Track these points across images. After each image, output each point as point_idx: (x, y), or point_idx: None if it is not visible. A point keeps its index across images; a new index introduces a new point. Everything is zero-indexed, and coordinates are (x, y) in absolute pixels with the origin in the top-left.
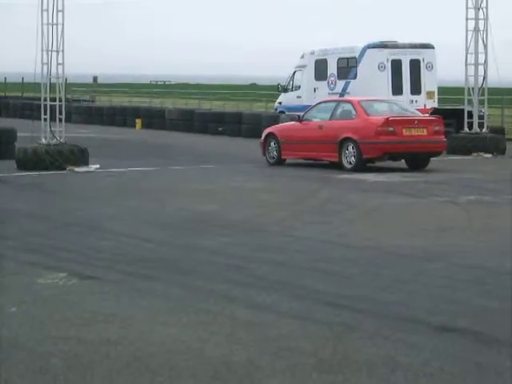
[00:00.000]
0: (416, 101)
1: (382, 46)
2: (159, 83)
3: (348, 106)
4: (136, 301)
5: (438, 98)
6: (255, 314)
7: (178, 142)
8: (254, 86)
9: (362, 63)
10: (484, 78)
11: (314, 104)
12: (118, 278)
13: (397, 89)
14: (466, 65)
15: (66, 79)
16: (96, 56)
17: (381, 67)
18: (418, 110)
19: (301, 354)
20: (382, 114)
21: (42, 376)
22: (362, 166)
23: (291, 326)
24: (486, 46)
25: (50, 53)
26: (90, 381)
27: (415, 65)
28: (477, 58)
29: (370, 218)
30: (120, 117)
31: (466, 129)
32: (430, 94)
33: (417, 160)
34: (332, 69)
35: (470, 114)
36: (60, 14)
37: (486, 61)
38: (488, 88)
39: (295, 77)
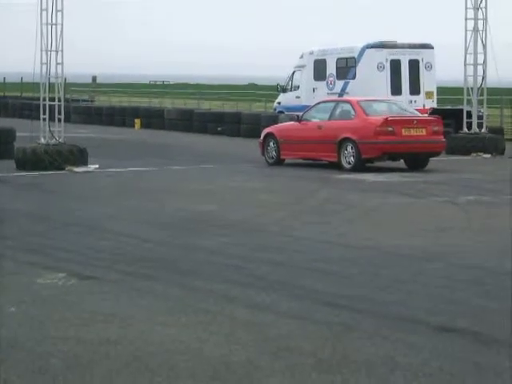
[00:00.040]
0: (415, 101)
1: (381, 46)
2: (158, 83)
3: (347, 106)
4: (135, 301)
5: (437, 98)
6: (254, 313)
7: (177, 141)
8: (252, 86)
9: (361, 63)
10: (483, 78)
11: (313, 104)
12: (118, 278)
13: (396, 89)
14: (465, 65)
15: (65, 79)
16: (95, 56)
17: (380, 67)
18: (417, 110)
19: (300, 354)
20: (381, 114)
21: (42, 376)
22: (361, 166)
23: (290, 326)
24: (485, 46)
25: (49, 53)
26: (89, 381)
27: (414, 65)
28: (476, 58)
29: (369, 218)
30: (119, 117)
31: (465, 129)
32: (428, 94)
33: (416, 160)
34: (331, 69)
35: (469, 114)
36: (59, 13)
37: (485, 61)
38: (487, 88)
39: (294, 77)
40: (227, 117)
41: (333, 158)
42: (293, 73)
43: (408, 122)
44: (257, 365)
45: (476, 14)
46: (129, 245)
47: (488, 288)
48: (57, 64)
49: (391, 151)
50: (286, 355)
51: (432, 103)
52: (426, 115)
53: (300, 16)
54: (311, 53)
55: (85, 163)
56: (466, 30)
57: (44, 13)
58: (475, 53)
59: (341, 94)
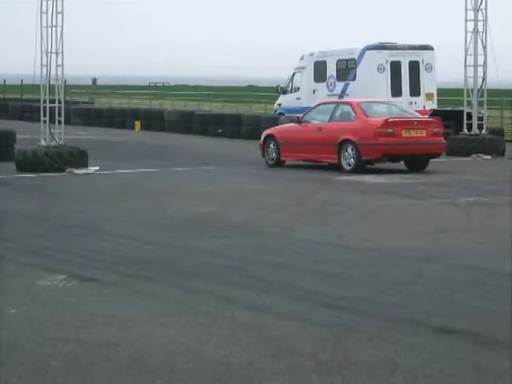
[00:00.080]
0: (415, 102)
1: (381, 47)
2: (158, 85)
3: (347, 108)
4: (135, 302)
5: (438, 100)
6: (255, 315)
7: (177, 143)
8: (251, 88)
9: (361, 65)
10: (483, 80)
11: (313, 105)
12: (118, 280)
13: (396, 90)
14: (466, 66)
15: (66, 81)
16: (95, 58)
17: (380, 69)
18: (417, 111)
19: (300, 356)
20: (382, 116)
21: (42, 378)
22: (362, 167)
23: (291, 328)
24: (485, 48)
25: (49, 55)
26: (89, 382)
27: (414, 66)
28: (476, 60)
29: (370, 219)
30: (119, 118)
31: (466, 130)
32: (429, 96)
33: (416, 161)
34: (331, 70)
35: (470, 116)
36: (59, 16)
37: (485, 62)
38: (487, 89)
39: (294, 78)
40: (227, 118)
41: (333, 159)
42: (293, 74)
43: (408, 124)
44: (257, 366)
45: (476, 16)
46: (129, 247)
47: (488, 289)
48: (57, 66)
49: (391, 153)
50: (286, 357)
51: (432, 104)
52: (427, 116)
53: (300, 17)
54: (311, 54)
55: (85, 165)
56: (466, 32)
57: (44, 15)
58: (475, 54)
59: (341, 96)
